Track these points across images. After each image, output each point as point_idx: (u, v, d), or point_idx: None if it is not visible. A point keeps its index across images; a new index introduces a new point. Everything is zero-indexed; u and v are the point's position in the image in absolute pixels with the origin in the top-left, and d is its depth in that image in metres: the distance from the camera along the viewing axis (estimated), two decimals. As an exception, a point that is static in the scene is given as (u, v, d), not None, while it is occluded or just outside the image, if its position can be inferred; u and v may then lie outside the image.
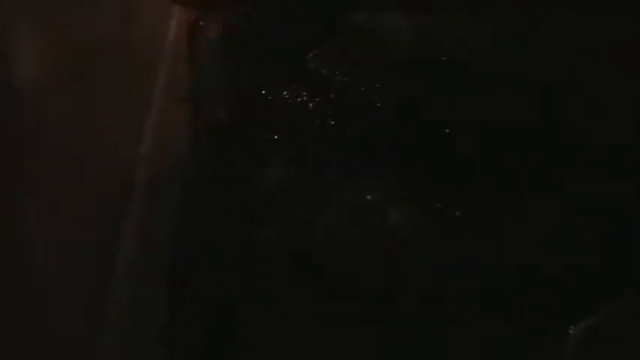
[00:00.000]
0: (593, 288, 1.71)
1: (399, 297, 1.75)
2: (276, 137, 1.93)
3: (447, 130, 1.90)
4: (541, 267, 1.71)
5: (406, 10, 2.85)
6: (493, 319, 1.74)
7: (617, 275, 1.75)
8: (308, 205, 1.81)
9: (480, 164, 1.84)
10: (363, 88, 2.04)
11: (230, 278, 2.01)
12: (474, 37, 2.71)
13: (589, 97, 2.11)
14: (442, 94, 2.08)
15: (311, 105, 1.99)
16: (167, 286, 2.60)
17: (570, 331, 1.69)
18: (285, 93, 2.05)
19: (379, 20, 2.74)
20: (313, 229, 1.80)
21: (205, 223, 2.29)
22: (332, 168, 1.82)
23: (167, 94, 7.14)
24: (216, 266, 2.11)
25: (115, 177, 4.62)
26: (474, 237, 1.75)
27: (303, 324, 1.82)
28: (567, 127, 1.94)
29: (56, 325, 3.38)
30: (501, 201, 1.79)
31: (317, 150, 1.86)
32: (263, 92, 2.13)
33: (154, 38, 10.47)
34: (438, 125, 1.90)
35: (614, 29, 2.70)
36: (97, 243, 3.84)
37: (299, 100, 2.03)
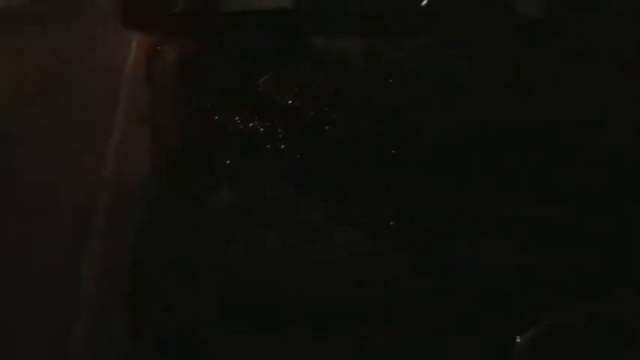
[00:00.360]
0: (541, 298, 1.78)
1: (353, 313, 1.81)
2: (227, 162, 1.97)
3: (397, 150, 1.95)
4: (488, 278, 1.78)
5: (361, 33, 2.92)
6: (444, 332, 1.80)
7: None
8: (259, 226, 1.85)
9: (431, 183, 1.90)
10: (312, 112, 2.10)
11: (191, 300, 2.04)
12: (426, 58, 2.78)
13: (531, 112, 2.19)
14: (392, 115, 2.14)
15: (262, 129, 2.04)
16: (130, 310, 2.62)
17: (517, 340, 1.75)
18: (236, 118, 2.10)
19: (333, 44, 2.80)
20: (265, 249, 1.85)
21: (163, 246, 2.32)
22: (282, 190, 1.87)
23: (128, 117, 7.19)
24: (176, 288, 2.14)
25: (77, 201, 4.62)
26: (422, 253, 1.81)
27: (265, 344, 1.86)
28: (515, 148, 2.00)
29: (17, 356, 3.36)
30: (450, 217, 1.85)
31: (267, 173, 1.90)
32: (216, 117, 2.17)
33: (115, 62, 10.54)
34: (388, 146, 1.95)
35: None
36: (59, 268, 3.84)
37: (250, 124, 2.07)
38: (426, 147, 1.95)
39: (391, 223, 1.79)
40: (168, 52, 3.20)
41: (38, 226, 4.31)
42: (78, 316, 3.60)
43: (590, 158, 1.97)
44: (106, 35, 8.79)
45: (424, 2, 3.45)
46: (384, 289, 1.79)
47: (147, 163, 4.08)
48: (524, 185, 1.88)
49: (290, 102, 2.15)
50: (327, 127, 2.00)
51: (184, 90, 2.55)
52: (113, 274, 3.55)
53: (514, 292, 1.77)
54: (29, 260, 3.91)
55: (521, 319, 1.78)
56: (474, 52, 2.84)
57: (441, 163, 1.92)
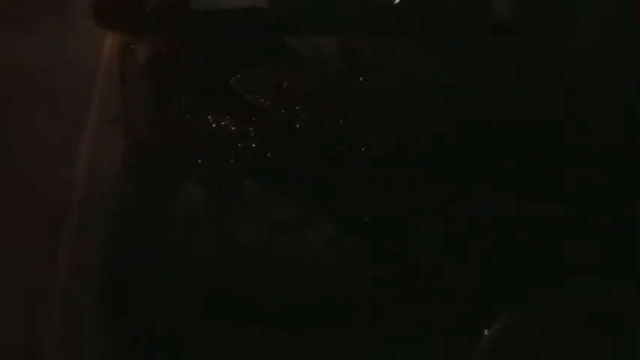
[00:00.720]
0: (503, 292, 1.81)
1: (329, 310, 1.83)
2: (199, 160, 1.98)
3: (369, 149, 1.98)
4: (452, 274, 1.81)
5: (335, 32, 2.92)
6: (417, 329, 1.83)
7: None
8: (230, 223, 1.87)
9: (400, 182, 1.93)
10: (283, 111, 2.11)
11: (163, 297, 2.05)
12: (404, 58, 2.80)
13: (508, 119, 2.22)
14: (366, 115, 2.16)
15: (233, 128, 2.05)
16: (103, 307, 2.62)
17: (485, 332, 1.79)
18: (209, 117, 2.11)
19: (310, 43, 2.81)
20: (237, 245, 1.87)
21: (134, 243, 2.33)
22: (253, 187, 1.89)
23: (101, 116, 7.14)
24: (148, 285, 2.15)
25: (50, 199, 4.60)
26: (389, 251, 1.84)
27: (242, 340, 1.88)
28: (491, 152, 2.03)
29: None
30: (421, 218, 1.88)
31: (238, 171, 1.92)
32: (188, 116, 2.18)
33: (89, 60, 10.44)
34: (360, 145, 1.98)
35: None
36: (31, 267, 3.82)
37: (222, 123, 2.08)
38: (399, 145, 1.97)
39: (364, 219, 1.82)
40: (140, 50, 3.19)
41: (9, 225, 4.28)
42: (51, 315, 3.59)
43: (566, 156, 2.01)
44: (81, 33, 8.68)
45: (396, 1, 3.48)
46: (357, 285, 1.81)
47: (119, 161, 4.08)
48: (493, 184, 1.92)
49: (262, 101, 2.16)
50: (297, 126, 2.02)
51: (156, 89, 2.55)
52: (85, 272, 3.54)
53: (483, 288, 1.80)
54: (0, 259, 3.89)
55: (489, 315, 1.81)
56: (449, 52, 2.87)
57: (412, 161, 1.95)
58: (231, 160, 1.91)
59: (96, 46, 7.52)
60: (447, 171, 1.92)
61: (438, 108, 2.27)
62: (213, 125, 2.09)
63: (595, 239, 1.91)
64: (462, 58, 2.86)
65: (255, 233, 1.86)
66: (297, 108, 2.12)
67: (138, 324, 2.21)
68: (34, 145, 6.11)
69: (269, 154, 1.92)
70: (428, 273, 1.81)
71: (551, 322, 1.86)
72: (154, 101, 2.55)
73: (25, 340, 3.42)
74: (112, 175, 4.44)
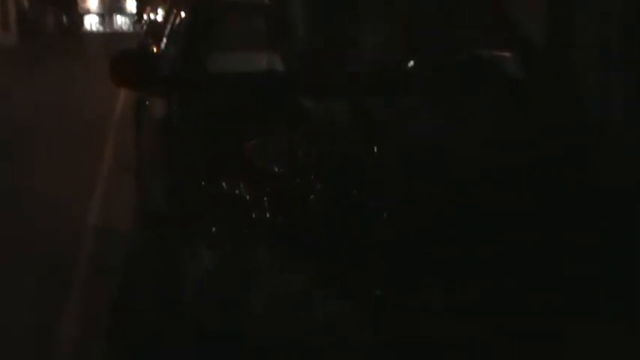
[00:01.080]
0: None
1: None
2: (213, 229, 1.97)
3: (383, 218, 1.97)
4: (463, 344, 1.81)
5: (349, 94, 2.94)
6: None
7: None
8: (240, 292, 1.86)
9: (411, 252, 1.92)
10: (298, 180, 2.11)
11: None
12: (414, 120, 2.81)
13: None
14: (379, 181, 2.16)
15: (247, 197, 2.05)
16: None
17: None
18: (223, 184, 2.11)
19: (322, 105, 2.82)
20: (245, 314, 1.85)
21: (142, 306, 2.32)
22: (264, 257, 1.88)
23: (115, 164, 7.20)
24: (156, 349, 2.13)
25: (61, 250, 4.59)
26: (398, 322, 1.83)
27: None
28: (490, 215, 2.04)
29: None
30: (426, 286, 1.87)
31: (250, 240, 1.91)
32: (202, 182, 2.18)
33: (104, 107, 10.60)
34: (373, 214, 1.97)
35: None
36: (38, 317, 3.80)
37: (236, 191, 2.08)
38: (414, 212, 1.97)
39: (376, 292, 1.81)
40: (156, 107, 3.22)
41: (18, 274, 4.27)
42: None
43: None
44: (95, 79, 8.77)
45: (410, 64, 3.52)
46: (366, 358, 1.80)
47: (131, 212, 4.09)
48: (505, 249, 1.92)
49: (276, 170, 2.16)
50: (312, 197, 2.01)
51: (169, 149, 2.56)
52: (95, 325, 3.53)
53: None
54: (14, 307, 3.87)
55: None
56: (458, 112, 2.88)
57: (429, 231, 1.94)
58: (245, 230, 1.91)
59: (112, 94, 7.61)
60: (460, 234, 1.92)
61: (451, 170, 2.27)
62: (227, 192, 2.09)
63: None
64: (473, 118, 2.88)
65: (264, 302, 1.85)
66: (312, 177, 2.12)
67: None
68: (46, 192, 6.17)
69: (282, 225, 1.92)
70: (438, 346, 1.80)
71: None
72: (167, 162, 2.56)
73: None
74: (123, 231, 4.46)
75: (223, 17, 3.45)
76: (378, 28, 3.72)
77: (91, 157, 7.39)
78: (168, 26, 3.93)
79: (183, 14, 3.39)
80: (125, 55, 2.79)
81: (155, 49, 4.43)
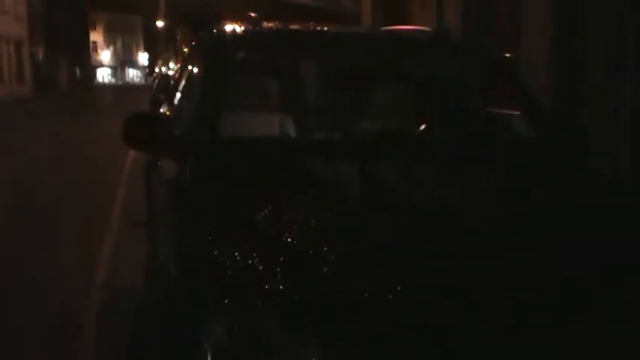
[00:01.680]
0: None
1: None
2: (224, 300, 1.93)
3: (398, 295, 1.92)
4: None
5: (363, 157, 2.92)
6: None
7: None
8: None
9: (426, 322, 1.88)
10: (311, 252, 2.07)
11: None
12: (426, 183, 2.80)
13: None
14: (391, 247, 2.12)
15: (260, 267, 2.01)
16: None
17: None
18: (235, 253, 2.07)
19: (334, 169, 2.82)
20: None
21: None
22: (276, 334, 1.84)
23: (124, 220, 7.18)
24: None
25: (65, 310, 4.55)
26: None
27: None
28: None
29: None
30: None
31: (261, 311, 1.87)
32: (215, 252, 2.14)
33: (114, 162, 10.65)
34: (389, 292, 1.93)
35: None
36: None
37: (249, 262, 2.04)
38: (425, 283, 1.93)
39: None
40: (167, 168, 3.21)
41: (23, 329, 4.23)
42: None
43: None
44: (105, 131, 8.82)
45: (422, 128, 3.52)
46: None
47: (140, 268, 4.06)
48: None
49: (289, 240, 2.12)
50: (325, 270, 1.97)
51: (180, 212, 2.54)
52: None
53: None
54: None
55: None
56: (468, 177, 2.87)
57: (441, 302, 1.90)
58: (255, 300, 1.86)
59: (120, 148, 7.62)
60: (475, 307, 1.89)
61: (464, 235, 2.24)
62: (239, 263, 2.05)
63: None
64: (483, 181, 2.87)
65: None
66: (325, 249, 2.07)
67: None
68: (55, 245, 6.16)
69: (296, 299, 1.87)
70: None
71: None
72: (176, 225, 2.53)
73: None
74: (133, 283, 4.42)
75: (237, 77, 3.48)
76: (390, 92, 3.76)
77: (101, 212, 7.40)
78: (182, 83, 3.95)
79: (196, 72, 3.41)
80: (138, 118, 2.80)
81: (167, 109, 4.45)
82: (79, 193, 8.50)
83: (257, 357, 1.79)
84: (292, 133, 3.24)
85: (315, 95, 3.65)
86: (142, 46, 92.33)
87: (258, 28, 3.52)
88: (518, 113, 3.44)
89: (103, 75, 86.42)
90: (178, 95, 3.89)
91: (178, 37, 44.03)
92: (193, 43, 4.44)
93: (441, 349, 1.79)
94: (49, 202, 7.87)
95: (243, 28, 3.53)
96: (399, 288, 1.91)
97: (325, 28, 3.78)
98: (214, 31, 3.60)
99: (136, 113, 2.81)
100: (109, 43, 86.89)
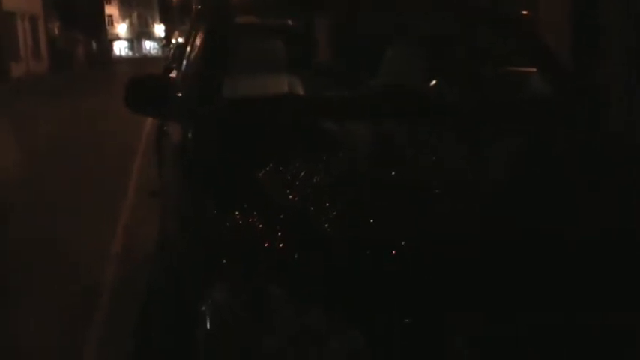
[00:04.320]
0: None
1: None
2: (224, 262, 1.88)
3: (401, 253, 1.84)
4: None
5: (371, 116, 2.84)
6: None
7: None
8: (254, 333, 1.76)
9: (433, 286, 1.80)
10: (312, 209, 2.00)
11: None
12: (438, 142, 2.71)
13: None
14: (399, 210, 2.04)
15: (260, 226, 1.95)
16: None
17: None
18: (236, 213, 2.01)
19: (345, 128, 2.74)
20: (259, 356, 1.76)
21: (159, 341, 2.24)
22: (278, 295, 1.78)
23: (140, 190, 7.18)
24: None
25: (83, 279, 4.55)
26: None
27: None
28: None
29: None
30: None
31: (263, 276, 1.81)
32: (214, 212, 2.08)
33: (130, 134, 10.65)
34: (392, 248, 1.85)
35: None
36: (60, 345, 3.75)
37: (250, 220, 1.99)
38: (434, 245, 1.85)
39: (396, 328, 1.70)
40: (173, 132, 3.15)
41: (39, 299, 4.23)
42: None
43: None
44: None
45: (433, 82, 3.42)
46: None
47: (155, 239, 4.03)
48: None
49: (290, 198, 2.05)
50: (327, 226, 1.90)
51: (184, 177, 2.48)
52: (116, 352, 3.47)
53: None
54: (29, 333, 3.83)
55: None
56: (484, 140, 2.78)
57: (449, 262, 1.82)
58: (257, 265, 1.80)
59: (136, 120, 7.58)
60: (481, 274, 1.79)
61: (478, 195, 2.15)
62: (240, 222, 1.99)
63: None
64: (499, 140, 2.78)
65: (278, 342, 1.74)
66: (327, 206, 2.01)
67: None
68: (70, 215, 6.17)
69: (296, 257, 1.81)
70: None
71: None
72: (180, 190, 2.48)
73: None
74: (147, 255, 4.41)
75: (242, 40, 3.40)
76: (400, 50, 3.66)
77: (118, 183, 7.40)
78: (188, 48, 3.88)
79: (201, 36, 3.34)
80: (139, 80, 2.73)
81: (174, 74, 4.39)
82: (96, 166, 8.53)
83: (258, 324, 1.74)
84: (300, 92, 3.16)
85: (322, 56, 3.57)
86: (157, 18, 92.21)
87: None
88: (535, 71, 3.33)
89: (120, 48, 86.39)
90: (184, 61, 3.82)
91: (193, 7, 43.91)
92: (198, 7, 4.36)
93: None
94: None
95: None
96: (405, 255, 1.82)
97: None
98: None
99: (138, 76, 2.74)
100: (124, 16, 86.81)
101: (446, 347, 1.69)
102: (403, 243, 1.83)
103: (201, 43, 3.16)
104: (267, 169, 2.23)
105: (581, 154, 2.62)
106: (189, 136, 2.64)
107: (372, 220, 1.92)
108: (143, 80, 2.73)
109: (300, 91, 3.29)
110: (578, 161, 2.54)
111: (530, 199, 2.12)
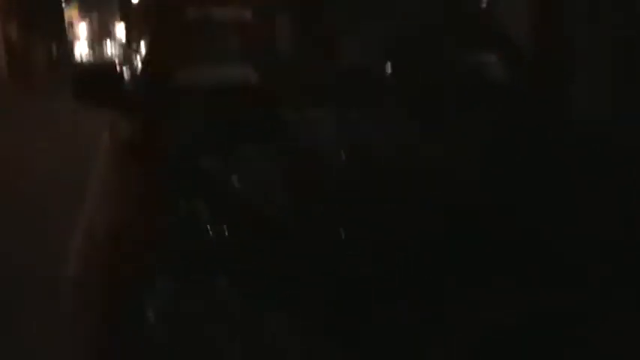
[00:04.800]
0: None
1: None
2: (173, 256, 1.87)
3: (367, 255, 1.82)
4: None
5: (334, 105, 2.83)
6: None
7: None
8: (198, 320, 1.74)
9: (392, 282, 1.79)
10: (265, 199, 1.99)
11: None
12: (397, 132, 2.71)
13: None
14: (358, 200, 2.03)
15: (206, 212, 1.95)
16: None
17: None
18: (182, 198, 2.01)
19: (306, 116, 2.73)
20: (206, 341, 1.74)
21: (112, 335, 2.23)
22: (228, 289, 1.76)
23: (99, 186, 7.07)
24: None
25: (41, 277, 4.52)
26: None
27: None
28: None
29: None
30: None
31: (212, 267, 1.80)
32: (161, 195, 2.09)
33: (90, 136, 10.45)
34: (347, 239, 1.84)
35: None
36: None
37: (194, 207, 1.99)
38: (400, 244, 1.83)
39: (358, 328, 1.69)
40: (125, 127, 3.14)
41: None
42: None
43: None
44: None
45: (388, 71, 3.42)
46: None
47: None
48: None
49: (235, 184, 2.05)
50: (287, 225, 1.88)
51: (131, 166, 2.49)
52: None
53: None
54: None
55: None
56: (447, 124, 2.77)
57: (413, 257, 1.81)
58: (205, 255, 1.80)
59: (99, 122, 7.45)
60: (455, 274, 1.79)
61: (443, 185, 2.13)
62: (186, 209, 1.99)
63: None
64: (459, 130, 2.78)
65: (227, 338, 1.73)
66: (279, 206, 1.98)
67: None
68: (30, 217, 6.09)
69: (251, 255, 1.79)
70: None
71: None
72: (130, 178, 2.48)
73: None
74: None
75: (190, 29, 3.38)
76: (361, 38, 3.65)
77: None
78: (138, 41, 3.86)
79: (149, 27, 3.33)
80: (87, 70, 2.72)
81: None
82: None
83: (201, 317, 1.73)
84: (255, 81, 3.15)
85: (278, 44, 3.55)
86: (118, 19, 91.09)
87: None
88: (496, 58, 3.35)
89: (81, 51, 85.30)
90: (134, 52, 3.81)
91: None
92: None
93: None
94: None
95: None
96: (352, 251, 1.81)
97: None
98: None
99: (85, 65, 2.73)
100: (84, 18, 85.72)
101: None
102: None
103: (151, 33, 3.16)
104: (210, 158, 2.23)
105: (540, 143, 2.64)
106: (139, 128, 2.64)
107: (328, 211, 1.91)
108: (90, 70, 2.73)
109: (254, 79, 3.27)
110: (536, 149, 2.56)
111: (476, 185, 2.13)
